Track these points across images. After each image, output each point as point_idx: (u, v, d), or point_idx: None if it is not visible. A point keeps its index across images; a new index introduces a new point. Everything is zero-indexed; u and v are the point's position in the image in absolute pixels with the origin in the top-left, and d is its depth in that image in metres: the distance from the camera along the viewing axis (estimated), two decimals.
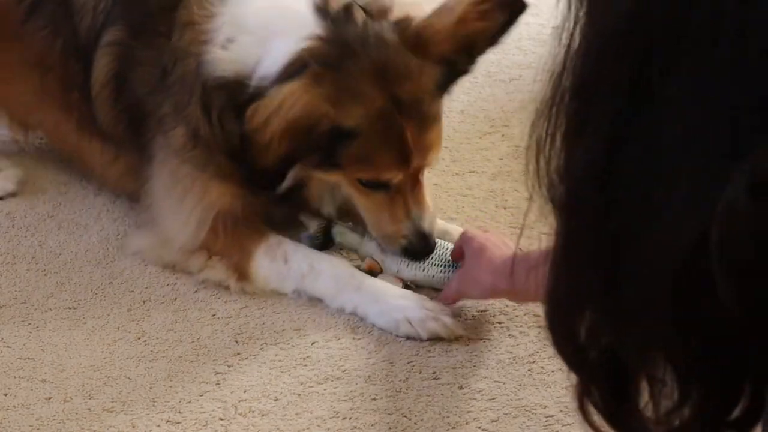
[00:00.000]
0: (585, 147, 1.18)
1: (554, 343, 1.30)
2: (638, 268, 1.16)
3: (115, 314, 2.49)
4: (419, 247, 2.48)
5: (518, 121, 3.20)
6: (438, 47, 2.37)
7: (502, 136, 3.14)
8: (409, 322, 2.39)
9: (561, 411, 2.25)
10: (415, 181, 2.47)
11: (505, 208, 2.84)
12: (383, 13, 2.38)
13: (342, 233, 2.60)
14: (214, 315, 2.49)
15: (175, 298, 2.54)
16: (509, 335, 2.44)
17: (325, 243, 2.60)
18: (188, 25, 2.49)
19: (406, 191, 2.46)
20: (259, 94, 2.35)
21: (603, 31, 1.15)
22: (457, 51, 2.40)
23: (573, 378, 1.32)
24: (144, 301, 2.53)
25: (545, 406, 2.26)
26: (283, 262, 2.53)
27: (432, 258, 2.53)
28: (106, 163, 2.78)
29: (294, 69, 2.33)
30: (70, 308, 2.51)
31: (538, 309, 2.52)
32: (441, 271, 2.52)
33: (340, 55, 2.32)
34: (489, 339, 2.43)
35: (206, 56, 2.43)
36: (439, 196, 2.88)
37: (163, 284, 2.58)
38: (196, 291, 2.56)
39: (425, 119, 2.39)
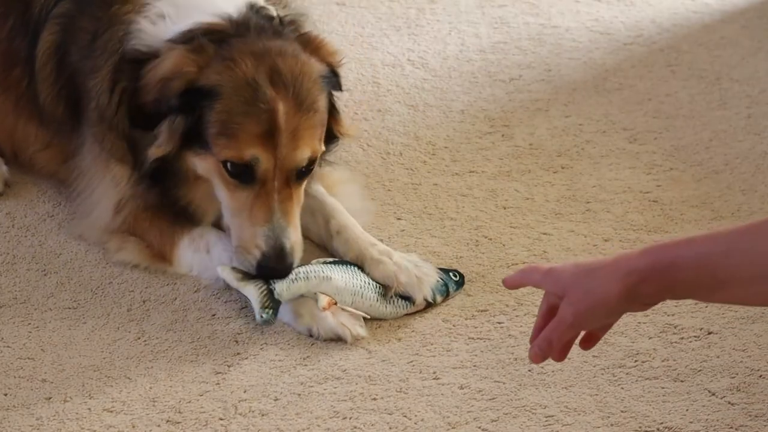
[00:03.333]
0: None
1: None
2: None
3: (115, 314, 2.49)
4: (273, 261, 2.36)
5: (518, 121, 3.20)
6: (327, 54, 2.50)
7: (502, 136, 3.14)
8: (311, 318, 2.41)
9: (561, 411, 2.25)
10: (285, 186, 2.38)
11: (505, 208, 2.84)
12: (294, 21, 2.55)
13: (287, 288, 2.40)
14: (214, 315, 2.49)
15: (175, 298, 2.54)
16: (509, 335, 2.44)
17: (276, 309, 2.39)
18: (127, 1, 2.54)
19: (273, 193, 2.37)
20: (153, 55, 2.43)
21: None
22: (337, 66, 2.52)
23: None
24: (144, 301, 2.53)
25: (545, 406, 2.26)
26: (206, 252, 2.54)
27: (363, 286, 2.45)
28: (39, 149, 2.82)
29: (186, 37, 2.42)
30: (70, 308, 2.51)
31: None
32: (374, 293, 2.46)
33: (234, 32, 2.42)
34: (489, 339, 2.43)
35: (134, 26, 2.49)
36: (439, 196, 2.88)
37: (163, 284, 2.57)
38: (196, 291, 2.55)
39: (303, 100, 2.38)
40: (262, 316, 2.36)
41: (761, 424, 2.23)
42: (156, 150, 2.42)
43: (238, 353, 2.39)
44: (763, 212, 2.83)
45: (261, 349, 2.40)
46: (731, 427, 2.22)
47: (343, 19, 3.72)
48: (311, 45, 2.48)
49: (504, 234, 2.75)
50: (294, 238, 2.39)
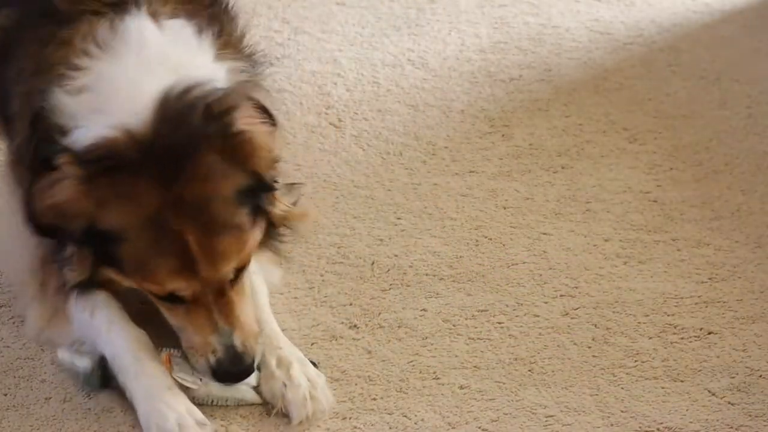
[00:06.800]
0: None
1: None
2: None
3: None
4: (230, 365, 2.21)
5: (518, 121, 3.20)
6: (254, 159, 2.19)
7: (502, 136, 3.14)
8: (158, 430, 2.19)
9: (561, 411, 2.25)
10: (219, 295, 2.21)
11: (505, 208, 2.84)
12: (226, 112, 2.17)
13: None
14: None
15: None
16: (509, 335, 2.44)
17: (104, 378, 2.27)
18: (65, 45, 2.26)
19: (210, 306, 2.20)
20: (60, 152, 2.14)
21: None
22: (269, 167, 2.23)
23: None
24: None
25: (545, 406, 2.26)
26: (90, 315, 2.33)
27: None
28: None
29: (89, 156, 2.11)
30: None
31: (538, 309, 2.52)
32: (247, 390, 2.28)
33: (134, 156, 2.10)
34: (489, 339, 2.43)
35: (56, 89, 2.21)
36: (439, 196, 2.88)
37: None
38: None
39: (214, 224, 2.14)
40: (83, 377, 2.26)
41: (761, 424, 2.23)
42: (72, 275, 2.26)
43: None
44: (763, 212, 2.83)
45: None
46: (731, 427, 2.22)
47: (343, 19, 3.71)
48: (236, 150, 2.17)
49: (504, 234, 2.75)
50: (244, 338, 2.22)
